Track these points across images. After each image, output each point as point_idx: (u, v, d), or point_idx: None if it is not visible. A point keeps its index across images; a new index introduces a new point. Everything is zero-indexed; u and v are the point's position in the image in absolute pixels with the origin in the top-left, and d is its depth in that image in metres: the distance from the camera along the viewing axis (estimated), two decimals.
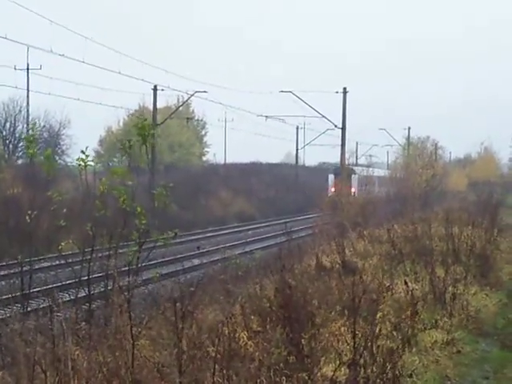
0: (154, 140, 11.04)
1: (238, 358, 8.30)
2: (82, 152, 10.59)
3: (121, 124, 71.43)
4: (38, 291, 12.56)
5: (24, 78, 51.47)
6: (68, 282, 13.89)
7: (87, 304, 10.74)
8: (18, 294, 11.45)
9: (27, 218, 11.00)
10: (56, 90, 67.25)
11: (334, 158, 72.89)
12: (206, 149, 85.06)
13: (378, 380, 8.85)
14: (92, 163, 10.80)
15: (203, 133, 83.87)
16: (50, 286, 14.02)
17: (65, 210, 10.88)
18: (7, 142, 55.69)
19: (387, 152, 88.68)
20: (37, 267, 15.64)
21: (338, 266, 16.77)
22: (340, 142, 49.36)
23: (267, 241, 34.46)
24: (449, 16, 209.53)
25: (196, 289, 8.83)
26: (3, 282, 15.95)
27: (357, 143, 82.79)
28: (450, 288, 14.73)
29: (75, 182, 35.72)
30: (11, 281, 12.11)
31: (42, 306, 11.28)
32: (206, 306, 11.05)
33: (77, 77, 42.51)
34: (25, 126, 53.92)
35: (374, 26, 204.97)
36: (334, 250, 18.68)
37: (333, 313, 11.70)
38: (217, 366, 7.70)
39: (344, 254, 17.72)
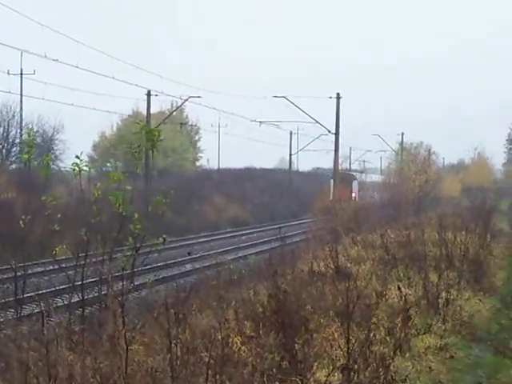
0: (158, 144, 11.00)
1: (231, 363, 8.30)
2: (77, 157, 10.59)
3: (114, 129, 71.51)
4: (31, 296, 12.54)
5: (18, 83, 51.51)
6: (62, 287, 13.88)
7: (81, 309, 10.73)
8: (12, 299, 11.44)
9: (21, 222, 10.99)
10: (50, 95, 67.28)
11: (327, 163, 73.08)
12: (199, 154, 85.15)
13: None
14: (86, 168, 10.78)
15: (197, 138, 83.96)
16: (44, 291, 14.01)
17: (59, 216, 10.86)
18: (0, 146, 55.59)
19: (380, 157, 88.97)
20: (30, 272, 15.61)
21: (331, 271, 16.77)
22: (333, 148, 49.47)
23: (261, 246, 34.46)
24: (447, 20, 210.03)
25: (189, 294, 8.84)
26: None
27: (350, 148, 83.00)
28: (444, 293, 14.75)
29: (69, 187, 35.77)
30: (5, 286, 12.10)
31: (35, 311, 11.29)
32: (200, 311, 11.05)
33: (70, 82, 42.57)
34: (18, 131, 53.89)
35: (369, 30, 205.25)
36: (327, 256, 18.69)
37: (326, 318, 11.71)
38: (210, 371, 7.70)
39: (337, 260, 17.72)
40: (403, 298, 13.26)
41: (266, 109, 72.91)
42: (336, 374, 9.17)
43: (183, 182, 55.83)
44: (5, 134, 55.52)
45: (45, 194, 10.94)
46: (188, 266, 25.79)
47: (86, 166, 10.73)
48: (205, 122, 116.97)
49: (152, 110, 49.97)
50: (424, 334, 12.75)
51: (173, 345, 7.79)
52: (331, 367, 9.26)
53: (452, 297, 14.90)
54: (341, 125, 48.41)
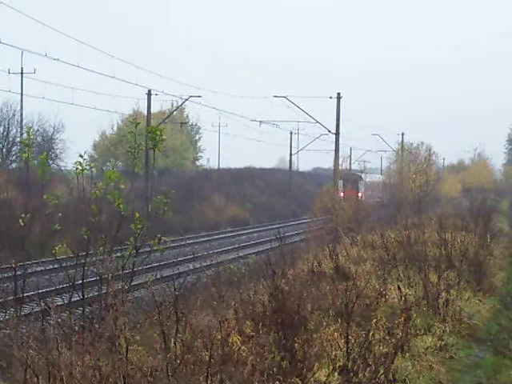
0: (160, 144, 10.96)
1: (231, 363, 8.30)
2: (80, 156, 10.57)
3: (114, 128, 71.56)
4: (31, 295, 12.52)
5: (18, 82, 51.50)
6: (61, 286, 13.87)
7: (81, 308, 10.72)
8: (12, 298, 11.43)
9: (20, 221, 10.97)
10: (50, 95, 67.31)
11: (327, 163, 73.11)
12: (199, 154, 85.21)
13: None
14: (89, 167, 10.75)
15: (197, 138, 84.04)
16: (44, 291, 14.01)
17: (60, 214, 10.85)
18: (0, 146, 55.57)
19: (381, 158, 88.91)
20: (30, 271, 15.62)
21: (331, 271, 16.77)
22: (334, 148, 49.42)
23: (261, 246, 34.47)
24: (447, 20, 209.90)
25: (189, 293, 8.83)
26: None
27: (350, 148, 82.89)
28: (443, 293, 14.74)
29: (69, 186, 35.78)
30: (5, 285, 12.09)
31: (35, 310, 11.28)
32: (200, 311, 11.04)
33: (71, 81, 42.65)
34: (18, 130, 53.87)
35: (369, 31, 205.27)
36: (327, 255, 18.69)
37: (326, 318, 11.70)
38: (210, 371, 7.70)
39: (337, 259, 17.72)
40: (403, 298, 13.26)
41: (266, 109, 73.12)
42: (336, 374, 9.16)
43: (183, 182, 55.89)
44: (5, 133, 55.50)
45: (44, 193, 10.92)
46: (189, 266, 25.75)
47: (89, 165, 10.71)
48: (205, 122, 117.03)
49: (152, 110, 49.96)
50: (424, 334, 12.75)
51: (173, 344, 7.79)
52: (331, 367, 9.26)
53: (452, 297, 14.89)
54: (341, 125, 48.38)
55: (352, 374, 9.07)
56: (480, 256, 19.91)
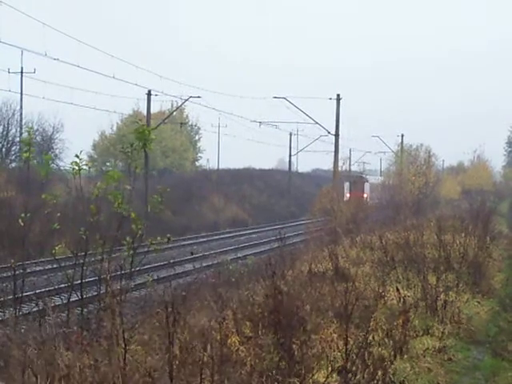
0: (152, 145, 10.97)
1: (229, 363, 8.30)
2: (77, 156, 10.56)
3: (114, 128, 71.59)
4: (30, 295, 12.51)
5: (18, 82, 51.50)
6: (60, 285, 13.86)
7: (79, 308, 10.71)
8: (11, 297, 11.41)
9: (20, 221, 10.96)
10: (50, 94, 67.42)
11: (327, 164, 73.12)
12: (199, 154, 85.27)
13: None
14: (86, 167, 10.74)
15: (197, 138, 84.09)
16: (42, 290, 13.99)
17: (59, 214, 10.84)
18: (0, 145, 55.59)
19: (380, 159, 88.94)
20: (29, 271, 15.60)
21: (330, 272, 16.77)
22: (333, 149, 49.42)
23: (260, 247, 34.47)
24: (447, 20, 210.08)
25: (188, 294, 8.82)
26: None
27: (350, 150, 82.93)
28: (442, 295, 14.74)
29: (68, 186, 35.75)
30: (3, 284, 12.08)
31: (34, 309, 11.27)
32: (198, 311, 11.04)
33: (71, 81, 42.69)
34: (18, 129, 53.88)
35: (369, 31, 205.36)
36: (326, 257, 18.69)
37: (325, 319, 11.70)
38: (208, 371, 7.69)
39: (337, 261, 17.72)
40: (402, 299, 13.26)
41: (265, 109, 73.14)
42: (334, 375, 9.16)
43: (183, 182, 55.93)
44: (4, 133, 55.53)
45: (44, 192, 10.92)
46: (188, 266, 25.75)
47: (86, 165, 10.70)
48: (205, 122, 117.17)
49: (152, 110, 49.96)
50: (422, 335, 12.75)
51: (171, 344, 7.78)
52: (329, 368, 9.25)
53: (451, 299, 14.89)
54: (341, 126, 48.40)
55: (350, 375, 9.06)
56: (479, 258, 19.92)
